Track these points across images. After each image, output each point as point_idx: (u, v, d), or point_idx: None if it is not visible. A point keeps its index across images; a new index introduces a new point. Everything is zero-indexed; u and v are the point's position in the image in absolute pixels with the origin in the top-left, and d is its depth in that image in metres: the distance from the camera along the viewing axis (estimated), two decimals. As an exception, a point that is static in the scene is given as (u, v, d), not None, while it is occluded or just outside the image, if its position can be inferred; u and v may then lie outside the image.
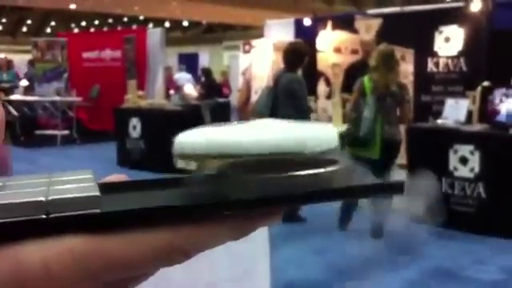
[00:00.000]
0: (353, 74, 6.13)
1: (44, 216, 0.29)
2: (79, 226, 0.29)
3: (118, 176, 0.38)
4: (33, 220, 0.29)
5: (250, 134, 0.34)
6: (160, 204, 0.32)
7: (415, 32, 6.85)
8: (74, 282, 0.29)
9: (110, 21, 29.07)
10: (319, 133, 0.36)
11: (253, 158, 0.33)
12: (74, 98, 11.70)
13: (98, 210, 0.30)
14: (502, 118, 5.26)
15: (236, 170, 0.34)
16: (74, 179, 0.33)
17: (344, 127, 5.98)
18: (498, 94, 5.36)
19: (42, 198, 0.29)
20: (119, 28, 24.61)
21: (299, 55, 5.27)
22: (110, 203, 0.31)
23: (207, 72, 12.38)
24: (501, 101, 5.35)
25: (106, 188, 0.33)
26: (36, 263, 0.28)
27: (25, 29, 30.53)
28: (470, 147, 5.13)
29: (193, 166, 0.37)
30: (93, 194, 0.30)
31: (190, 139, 0.35)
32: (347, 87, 6.15)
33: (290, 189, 0.33)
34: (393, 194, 0.37)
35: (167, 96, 11.47)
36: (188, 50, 25.52)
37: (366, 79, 4.88)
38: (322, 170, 0.35)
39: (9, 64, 13.53)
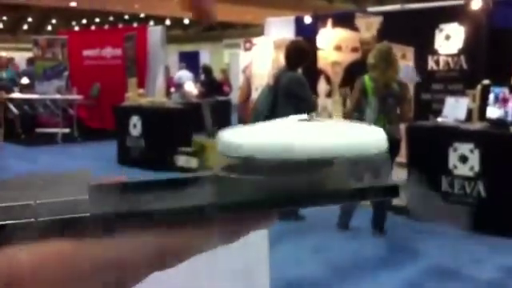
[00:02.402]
0: (353, 72, 6.12)
1: (33, 219, 0.29)
2: (68, 230, 0.29)
3: (117, 177, 0.38)
4: (21, 223, 0.29)
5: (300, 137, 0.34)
6: (151, 207, 0.31)
7: (416, 30, 6.84)
8: (62, 284, 0.29)
9: (111, 19, 29.06)
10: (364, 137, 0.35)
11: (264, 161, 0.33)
12: (74, 96, 11.70)
13: (86, 214, 0.30)
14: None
15: (229, 172, 0.34)
16: (68, 181, 0.33)
17: None
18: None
19: (31, 202, 0.30)
20: (120, 26, 24.61)
21: (301, 54, 5.27)
22: (101, 206, 0.31)
23: (207, 70, 12.37)
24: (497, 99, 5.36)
25: (97, 190, 0.32)
26: (24, 267, 0.28)
27: (25, 27, 30.52)
28: (470, 146, 5.13)
29: (194, 163, 0.36)
30: (82, 197, 0.30)
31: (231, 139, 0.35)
32: (347, 85, 6.14)
33: (282, 192, 0.33)
34: (387, 196, 0.36)
35: (168, 94, 11.47)
36: (189, 48, 25.50)
37: (366, 78, 4.88)
38: (316, 174, 0.34)
39: (8, 62, 13.53)
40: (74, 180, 0.34)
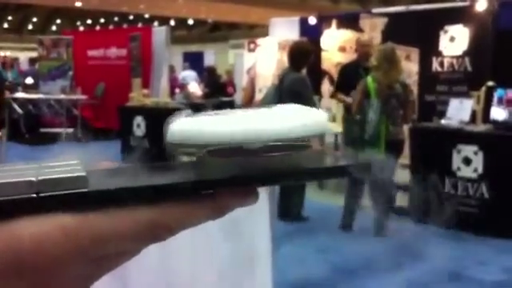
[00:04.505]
0: (347, 73, 6.11)
1: (35, 195, 0.31)
2: (68, 204, 0.31)
3: (107, 163, 0.40)
4: (25, 199, 0.31)
5: (236, 124, 0.36)
6: (144, 184, 0.33)
7: (420, 31, 6.84)
8: (64, 256, 0.31)
9: (116, 19, 29.13)
10: (306, 119, 0.38)
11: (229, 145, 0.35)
12: (78, 96, 11.73)
13: (85, 189, 0.32)
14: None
15: (213, 155, 0.36)
16: (63, 164, 0.35)
17: (340, 128, 5.96)
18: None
19: (33, 178, 0.31)
20: (125, 26, 24.66)
21: (304, 54, 5.28)
22: (97, 183, 0.33)
23: (212, 71, 12.39)
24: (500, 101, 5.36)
25: (93, 171, 0.34)
26: (28, 239, 0.30)
27: (30, 27, 30.62)
28: (474, 147, 5.13)
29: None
30: (80, 174, 0.32)
31: (179, 128, 0.38)
32: (341, 87, 6.13)
33: (262, 170, 0.36)
34: (360, 174, 0.38)
35: (172, 94, 11.48)
36: (193, 48, 25.52)
37: (369, 80, 4.87)
38: (293, 153, 0.37)
39: (12, 62, 13.60)
40: (67, 163, 0.36)
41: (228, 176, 0.35)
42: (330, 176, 0.38)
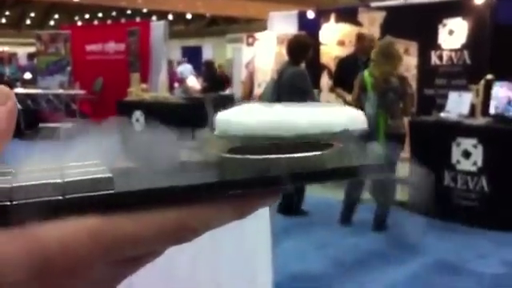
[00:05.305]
0: (344, 66, 6.11)
1: (61, 197, 0.31)
2: (94, 206, 0.31)
3: (125, 163, 0.40)
4: (50, 201, 0.30)
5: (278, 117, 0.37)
6: (169, 184, 0.33)
7: (419, 25, 6.83)
8: (90, 258, 0.31)
9: (114, 13, 29.07)
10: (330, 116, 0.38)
11: (259, 141, 0.36)
12: (77, 91, 11.71)
13: (111, 191, 0.31)
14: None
15: (238, 153, 0.36)
16: (85, 164, 0.35)
17: None
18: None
19: (59, 180, 0.31)
20: (123, 21, 24.60)
21: (303, 48, 5.27)
22: (122, 184, 0.32)
23: (210, 65, 12.37)
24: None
25: (116, 171, 0.34)
26: (54, 241, 0.30)
27: (28, 22, 30.55)
28: (473, 141, 5.13)
29: (196, 157, 0.38)
30: (106, 175, 0.32)
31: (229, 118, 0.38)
32: (339, 80, 6.12)
33: (287, 170, 0.35)
34: (385, 174, 0.38)
35: (171, 89, 11.47)
36: (191, 42, 25.47)
37: (366, 74, 4.87)
38: (318, 153, 0.36)
39: (11, 57, 13.58)
40: (89, 163, 0.35)
41: (255, 177, 0.34)
42: (355, 175, 0.37)
